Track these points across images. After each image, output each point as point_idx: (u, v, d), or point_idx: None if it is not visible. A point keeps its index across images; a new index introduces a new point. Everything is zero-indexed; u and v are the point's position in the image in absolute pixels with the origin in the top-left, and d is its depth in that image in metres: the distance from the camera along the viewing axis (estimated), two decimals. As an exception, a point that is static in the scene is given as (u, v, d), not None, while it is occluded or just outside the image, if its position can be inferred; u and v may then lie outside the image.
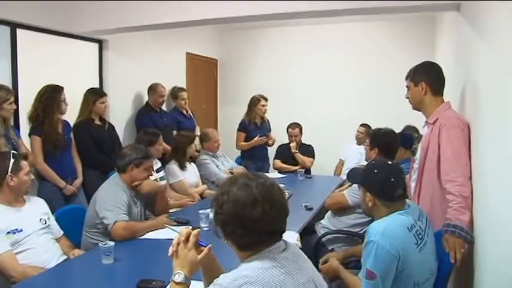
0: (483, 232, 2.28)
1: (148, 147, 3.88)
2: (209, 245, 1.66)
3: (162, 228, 3.06)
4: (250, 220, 1.47)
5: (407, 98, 2.93)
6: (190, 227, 1.74)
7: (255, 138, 5.80)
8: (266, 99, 5.91)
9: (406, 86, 2.92)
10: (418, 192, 2.82)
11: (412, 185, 2.95)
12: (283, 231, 1.57)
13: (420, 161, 2.82)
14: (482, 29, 2.53)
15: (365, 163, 3.93)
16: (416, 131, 4.59)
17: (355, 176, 2.50)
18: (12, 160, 2.80)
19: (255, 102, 5.90)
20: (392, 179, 2.18)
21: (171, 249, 1.66)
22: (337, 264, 2.66)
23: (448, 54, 4.33)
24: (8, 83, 3.93)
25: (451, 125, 2.59)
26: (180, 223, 3.26)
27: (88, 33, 4.85)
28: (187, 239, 1.65)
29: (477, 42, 2.68)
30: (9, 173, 2.76)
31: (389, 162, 2.31)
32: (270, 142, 5.98)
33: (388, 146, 3.49)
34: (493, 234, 2.10)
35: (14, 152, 3.03)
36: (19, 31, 4.15)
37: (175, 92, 6.01)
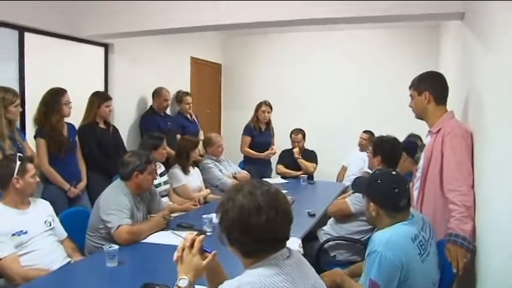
0: (485, 241, 2.28)
1: (151, 151, 3.92)
2: (214, 252, 1.68)
3: (166, 231, 3.08)
4: (255, 227, 1.48)
5: (411, 106, 2.95)
6: (195, 233, 1.75)
7: (265, 153, 5.85)
8: (269, 106, 5.90)
9: (410, 95, 2.93)
10: (420, 201, 2.82)
11: (415, 193, 2.95)
12: (287, 239, 1.58)
13: (423, 170, 2.82)
14: (486, 37, 2.55)
15: (368, 170, 3.96)
16: (420, 139, 4.59)
17: (359, 185, 2.51)
18: (18, 162, 2.82)
19: (257, 107, 5.93)
20: (396, 190, 2.19)
21: (176, 255, 1.67)
22: (340, 271, 2.67)
23: (452, 63, 4.34)
24: (15, 86, 3.97)
25: (454, 134, 2.60)
26: (183, 227, 3.28)
27: (94, 37, 4.89)
28: (192, 245, 1.66)
29: (481, 50, 2.70)
30: (15, 175, 2.78)
31: (394, 172, 2.33)
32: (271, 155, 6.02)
33: (391, 154, 3.49)
34: (495, 243, 2.10)
35: (20, 154, 3.05)
36: (27, 35, 4.20)
37: (180, 96, 6.04)
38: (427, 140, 2.97)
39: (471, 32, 3.09)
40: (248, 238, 1.50)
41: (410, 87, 2.93)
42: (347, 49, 7.15)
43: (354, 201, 3.52)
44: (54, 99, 3.93)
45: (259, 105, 5.92)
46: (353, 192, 3.69)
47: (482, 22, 2.66)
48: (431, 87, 2.80)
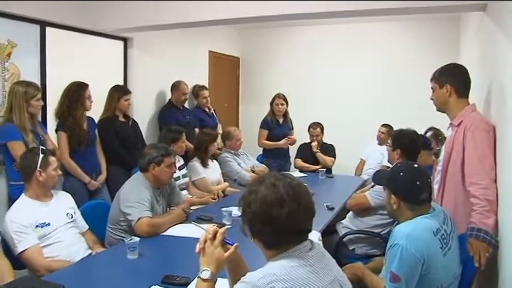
0: (508, 236, 2.26)
1: (170, 145, 3.93)
2: (235, 244, 1.69)
3: (188, 223, 3.11)
4: (277, 219, 1.49)
5: (432, 99, 2.91)
6: (216, 225, 1.76)
7: (282, 141, 5.82)
8: (282, 98, 5.86)
9: (431, 88, 2.89)
10: (441, 195, 2.79)
11: (435, 187, 2.92)
12: (309, 231, 1.59)
13: (444, 163, 2.79)
14: (509, 29, 2.50)
15: (386, 163, 3.93)
16: (440, 132, 4.54)
17: (380, 178, 2.49)
18: (41, 156, 2.86)
19: (271, 101, 5.93)
20: (418, 182, 2.18)
21: (198, 246, 1.68)
22: (361, 264, 2.67)
23: (473, 55, 4.28)
24: (36, 80, 4.03)
25: (476, 127, 2.56)
26: (203, 220, 3.30)
27: (113, 31, 4.93)
28: (214, 237, 1.67)
29: (503, 42, 2.64)
30: (38, 168, 2.82)
31: (416, 165, 2.31)
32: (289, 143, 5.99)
33: (411, 147, 3.45)
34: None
35: (43, 147, 3.10)
36: (48, 29, 4.26)
37: (196, 91, 6.05)
38: (448, 132, 2.93)
39: (494, 23, 3.04)
40: (270, 230, 1.51)
41: (431, 80, 2.89)
42: (366, 42, 7.09)
43: (374, 195, 3.51)
44: (78, 93, 3.97)
45: (273, 99, 5.92)
46: (372, 186, 3.67)
47: (506, 13, 2.61)
48: (453, 80, 2.76)
